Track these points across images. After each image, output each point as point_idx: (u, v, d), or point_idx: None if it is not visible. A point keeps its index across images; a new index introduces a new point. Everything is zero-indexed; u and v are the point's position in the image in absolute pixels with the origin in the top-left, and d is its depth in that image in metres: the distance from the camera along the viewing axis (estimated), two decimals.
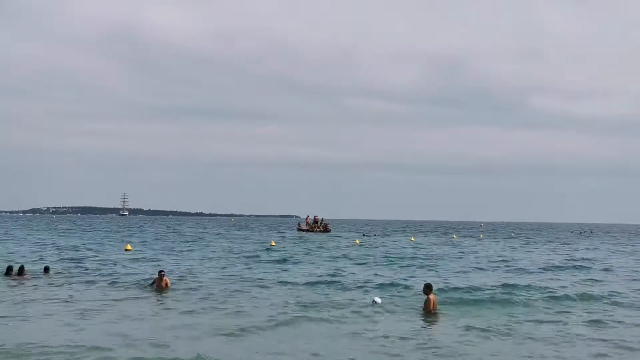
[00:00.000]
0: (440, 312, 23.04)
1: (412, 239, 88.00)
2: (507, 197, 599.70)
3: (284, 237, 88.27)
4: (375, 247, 66.52)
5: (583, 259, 52.62)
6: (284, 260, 45.33)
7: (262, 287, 29.81)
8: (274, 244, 67.27)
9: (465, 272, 38.65)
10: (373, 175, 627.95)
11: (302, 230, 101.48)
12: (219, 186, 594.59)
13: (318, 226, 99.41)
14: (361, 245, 71.36)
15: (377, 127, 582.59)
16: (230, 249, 58.15)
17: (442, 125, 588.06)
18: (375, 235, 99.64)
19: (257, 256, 49.59)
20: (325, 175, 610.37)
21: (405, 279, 33.74)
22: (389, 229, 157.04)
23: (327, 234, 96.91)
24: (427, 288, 23.20)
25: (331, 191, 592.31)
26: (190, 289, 28.50)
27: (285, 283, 31.22)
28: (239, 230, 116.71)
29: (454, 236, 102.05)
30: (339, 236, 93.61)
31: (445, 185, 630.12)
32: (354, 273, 36.92)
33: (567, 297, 27.58)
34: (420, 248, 67.34)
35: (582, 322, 21.85)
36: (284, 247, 63.59)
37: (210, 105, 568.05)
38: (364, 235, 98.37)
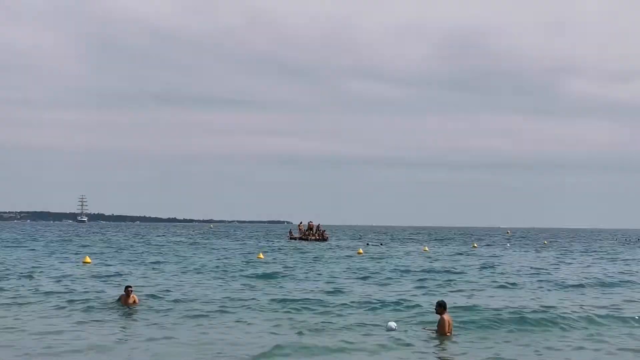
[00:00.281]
0: (457, 334, 22.93)
1: (426, 249, 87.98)
2: (537, 199, 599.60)
3: (273, 247, 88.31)
4: (382, 259, 66.40)
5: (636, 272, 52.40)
6: (274, 275, 45.18)
7: (248, 308, 29.60)
8: (262, 256, 66.49)
9: (489, 288, 38.63)
10: (377, 173, 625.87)
11: (295, 238, 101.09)
12: (196, 186, 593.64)
13: (313, 234, 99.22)
14: (365, 256, 71.16)
15: (382, 115, 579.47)
16: (210, 262, 57.75)
17: (458, 112, 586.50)
18: (381, 244, 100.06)
19: (242, 270, 49.49)
20: (321, 174, 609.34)
21: (416, 296, 33.58)
22: (398, 236, 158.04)
23: (325, 243, 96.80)
24: (441, 307, 23.21)
25: (328, 192, 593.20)
26: (162, 309, 28.45)
27: (275, 302, 31.03)
28: (219, 239, 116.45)
29: (475, 245, 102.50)
30: (338, 245, 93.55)
31: (462, 185, 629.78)
32: (357, 290, 36.75)
33: (613, 318, 27.34)
34: (435, 259, 67.27)
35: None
36: (273, 259, 63.28)
37: (184, 90, 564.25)
38: (368, 244, 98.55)
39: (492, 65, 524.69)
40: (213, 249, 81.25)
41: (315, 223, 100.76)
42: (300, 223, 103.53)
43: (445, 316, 23.18)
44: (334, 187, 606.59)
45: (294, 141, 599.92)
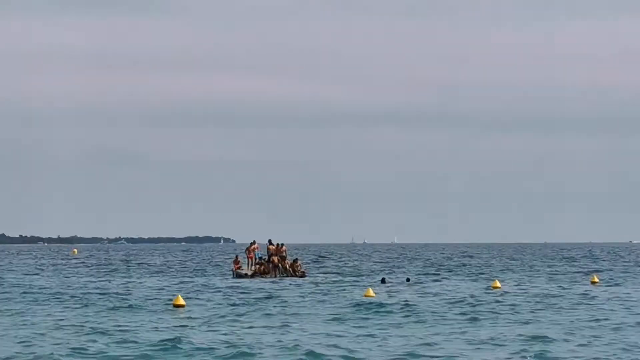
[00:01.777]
0: None
1: (497, 285, 53.53)
2: None
3: (202, 291, 50.33)
4: (419, 313, 36.08)
5: None
6: None
7: None
8: (180, 301, 38.88)
9: None
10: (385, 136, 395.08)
11: (242, 274, 62.87)
12: (44, 181, 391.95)
13: (279, 264, 61.12)
14: (383, 305, 39.39)
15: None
16: (72, 326, 31.23)
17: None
18: (408, 279, 60.24)
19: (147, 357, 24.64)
20: (282, 146, 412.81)
21: None
22: (433, 260, 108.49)
23: (302, 280, 60.31)
24: None
25: (300, 181, 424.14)
26: None
27: None
28: (93, 279, 67.43)
29: (595, 279, 58.90)
30: (322, 284, 56.61)
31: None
32: None
33: None
34: (524, 308, 38.20)
35: None
36: (207, 327, 31.81)
37: None
38: (383, 281, 59.15)
39: None
40: (82, 294, 47.62)
41: (281, 246, 62.38)
42: (253, 244, 64.64)
43: None
44: (310, 169, 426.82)
45: (230, 81, 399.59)
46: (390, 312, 36.10)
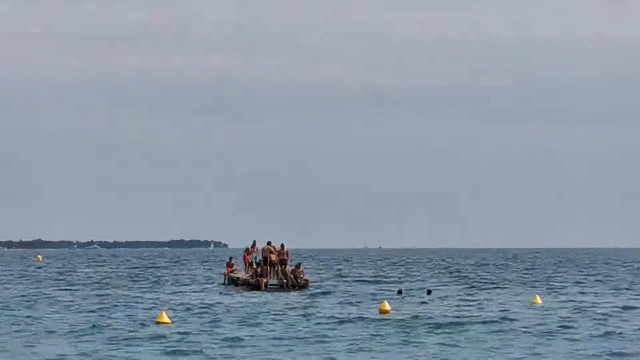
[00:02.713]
0: None
1: (537, 300, 45.77)
2: None
3: (190, 308, 41.75)
4: (451, 335, 30.10)
5: None
6: None
7: None
8: (164, 319, 33.43)
9: None
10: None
11: (239, 282, 55.61)
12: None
13: (278, 272, 53.71)
14: (400, 322, 33.84)
15: None
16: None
17: None
18: (428, 291, 51.95)
19: None
20: (282, 135, 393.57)
21: None
22: (454, 270, 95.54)
23: (301, 293, 53.06)
24: None
25: (305, 176, 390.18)
26: None
27: None
28: (57, 290, 56.16)
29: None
30: (328, 294, 50.80)
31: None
32: None
33: None
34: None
35: None
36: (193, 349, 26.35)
37: None
38: (400, 292, 51.83)
39: None
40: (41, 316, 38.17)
41: (279, 248, 55.25)
42: (251, 247, 57.98)
43: None
44: (309, 161, 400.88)
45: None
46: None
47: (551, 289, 56.93)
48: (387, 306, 38.76)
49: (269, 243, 53.96)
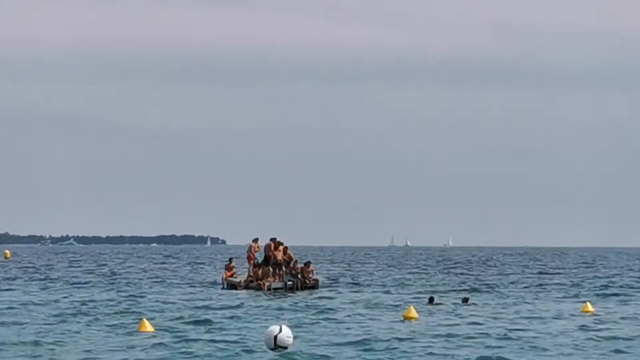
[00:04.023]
0: None
1: (589, 308, 40.39)
2: None
3: (181, 315, 37.37)
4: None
5: None
6: None
7: None
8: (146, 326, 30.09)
9: None
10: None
11: (237, 285, 51.12)
12: None
13: (283, 272, 49.38)
14: (436, 336, 29.34)
15: None
16: None
17: None
18: (465, 299, 44.93)
19: None
20: (293, 110, 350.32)
21: None
22: (493, 269, 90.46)
23: (310, 293, 49.42)
24: None
25: (319, 159, 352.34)
26: None
27: None
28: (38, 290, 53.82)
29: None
30: (340, 294, 47.55)
31: None
32: None
33: None
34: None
35: None
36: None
37: None
38: (432, 299, 44.92)
39: None
40: None
41: (279, 244, 50.87)
42: (254, 243, 52.11)
43: None
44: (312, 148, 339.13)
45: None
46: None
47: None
48: (413, 312, 34.46)
49: (272, 239, 50.03)
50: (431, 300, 42.62)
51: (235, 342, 27.49)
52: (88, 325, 32.36)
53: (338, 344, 26.91)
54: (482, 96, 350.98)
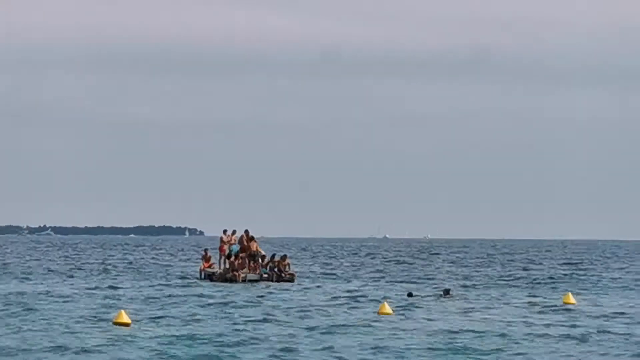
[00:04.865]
0: None
1: (569, 300, 40.11)
2: None
3: (159, 297, 40.60)
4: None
5: None
6: None
7: None
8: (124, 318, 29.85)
9: None
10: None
11: (215, 277, 51.44)
12: None
13: (258, 264, 50.81)
14: (414, 332, 28.77)
15: None
16: None
17: None
18: (447, 292, 43.98)
19: None
20: (272, 103, 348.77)
21: None
22: (480, 262, 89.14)
23: (288, 286, 48.29)
24: None
25: (299, 152, 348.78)
26: None
27: None
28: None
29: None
30: (314, 288, 46.89)
31: None
32: None
33: None
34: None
35: None
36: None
37: None
38: (410, 295, 44.03)
39: None
40: None
41: (252, 235, 50.18)
42: (230, 233, 51.99)
43: None
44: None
45: None
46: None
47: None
48: (387, 308, 33.82)
49: (246, 232, 49.86)
50: (410, 295, 42.31)
51: (206, 333, 27.46)
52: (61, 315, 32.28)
53: (308, 337, 26.83)
54: (461, 90, 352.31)
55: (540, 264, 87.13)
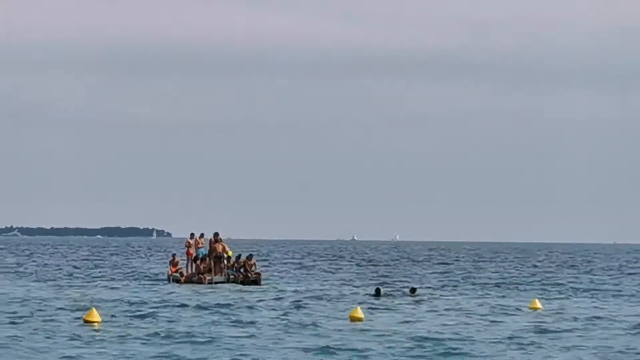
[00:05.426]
0: None
1: (536, 305, 40.42)
2: None
3: (128, 299, 40.61)
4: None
5: None
6: None
7: None
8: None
9: None
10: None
11: (182, 280, 50.90)
12: None
13: (224, 266, 49.99)
14: (383, 332, 29.16)
15: None
16: None
17: None
18: (412, 289, 45.40)
19: None
20: (244, 103, 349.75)
21: None
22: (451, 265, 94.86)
23: (254, 289, 48.14)
24: None
25: (270, 152, 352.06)
26: None
27: None
28: None
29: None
30: (282, 291, 46.53)
31: None
32: None
33: None
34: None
35: None
36: None
37: None
38: (377, 292, 45.39)
39: None
40: None
41: (220, 238, 50.37)
42: (197, 237, 52.07)
43: None
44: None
45: None
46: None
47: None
48: (358, 312, 33.10)
49: (215, 235, 50.01)
50: (378, 291, 42.72)
51: (171, 333, 27.48)
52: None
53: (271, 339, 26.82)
54: (461, 90, 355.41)
55: (516, 268, 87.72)
